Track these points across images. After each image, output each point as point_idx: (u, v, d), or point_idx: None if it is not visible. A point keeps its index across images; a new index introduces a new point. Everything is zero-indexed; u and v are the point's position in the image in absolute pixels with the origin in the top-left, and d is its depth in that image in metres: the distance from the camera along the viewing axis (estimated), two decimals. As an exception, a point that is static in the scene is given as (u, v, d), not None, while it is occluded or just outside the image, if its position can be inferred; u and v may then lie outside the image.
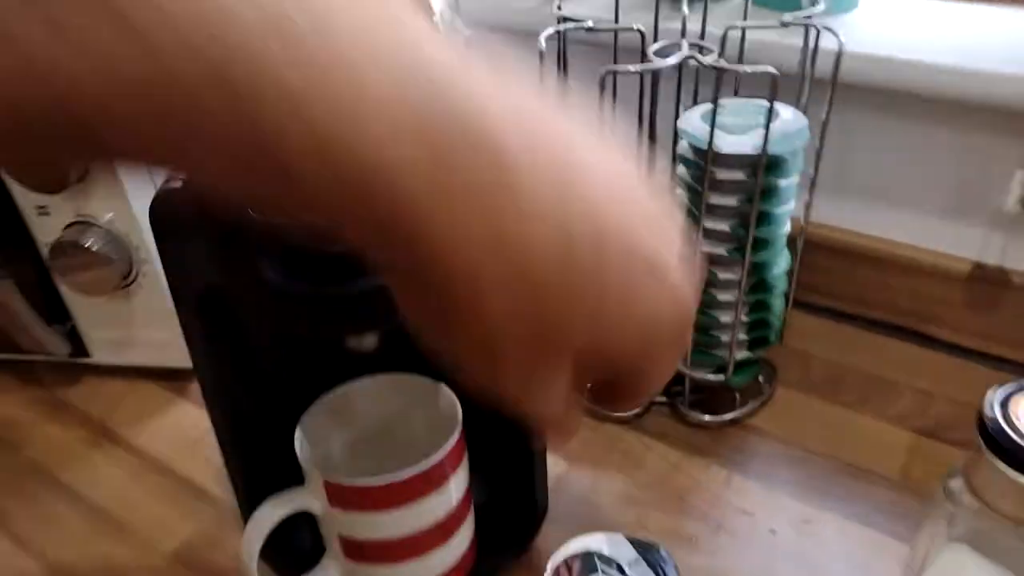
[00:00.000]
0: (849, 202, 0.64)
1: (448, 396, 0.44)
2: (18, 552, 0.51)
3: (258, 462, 0.46)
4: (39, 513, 0.54)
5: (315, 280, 0.35)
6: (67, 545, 0.51)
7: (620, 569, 0.45)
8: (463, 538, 0.45)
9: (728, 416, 0.57)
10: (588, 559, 0.43)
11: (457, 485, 0.42)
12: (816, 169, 0.50)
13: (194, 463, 0.57)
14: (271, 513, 0.39)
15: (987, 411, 0.35)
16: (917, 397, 0.58)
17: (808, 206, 0.52)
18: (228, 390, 0.43)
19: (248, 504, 0.43)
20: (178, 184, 0.37)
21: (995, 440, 0.34)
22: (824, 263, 0.65)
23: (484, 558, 0.47)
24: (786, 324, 0.56)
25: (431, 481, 0.40)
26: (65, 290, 0.58)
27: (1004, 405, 0.35)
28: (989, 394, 0.36)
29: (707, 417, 0.57)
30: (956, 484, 0.38)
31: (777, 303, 0.54)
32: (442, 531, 0.42)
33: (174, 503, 0.54)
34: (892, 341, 0.64)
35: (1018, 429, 0.34)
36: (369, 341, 0.40)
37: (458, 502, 0.43)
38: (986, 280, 0.60)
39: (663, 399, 0.59)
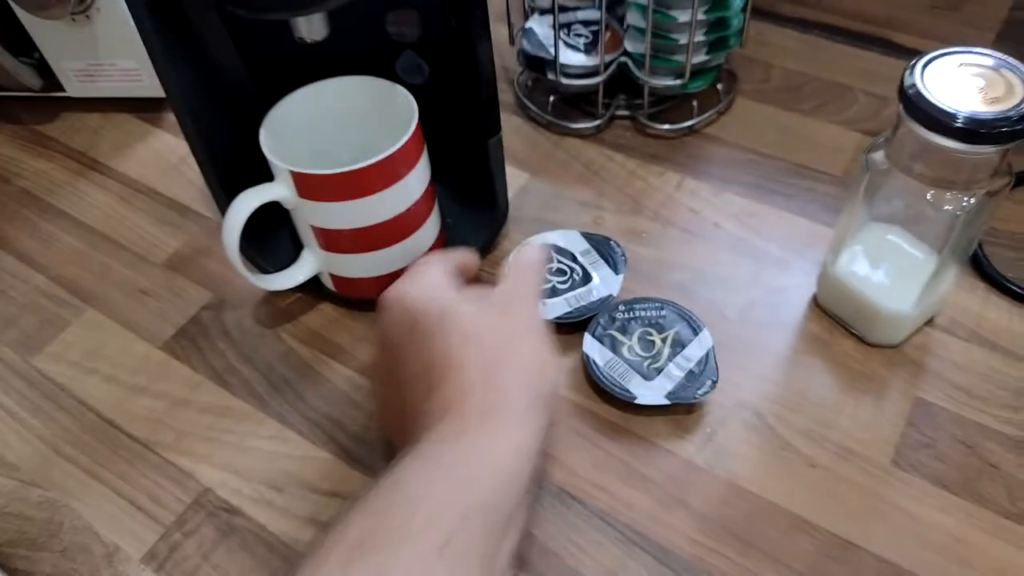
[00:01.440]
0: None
1: (404, 96, 0.45)
2: (25, 268, 0.56)
3: (235, 175, 0.48)
4: (38, 234, 0.58)
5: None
6: (68, 261, 0.56)
7: (573, 257, 0.50)
8: (429, 232, 0.48)
9: (685, 124, 0.59)
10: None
11: (417, 179, 0.45)
12: None
13: (177, 185, 0.60)
14: (247, 201, 0.43)
15: (907, 77, 0.37)
16: (871, 101, 0.60)
17: None
18: (192, 95, 0.44)
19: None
20: None
21: (911, 103, 0.36)
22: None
23: (451, 253, 0.51)
24: (746, 27, 0.56)
25: (391, 171, 0.43)
26: (24, 16, 0.58)
27: (923, 73, 0.37)
28: (912, 63, 0.37)
29: (665, 127, 0.59)
30: (878, 155, 0.40)
31: (736, 0, 0.54)
32: (407, 222, 0.46)
33: (162, 221, 0.57)
34: (855, 50, 0.64)
35: (932, 93, 0.36)
36: (318, 27, 0.41)
37: (420, 195, 0.46)
38: (952, -21, 0.59)
39: (625, 112, 0.60)
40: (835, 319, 0.47)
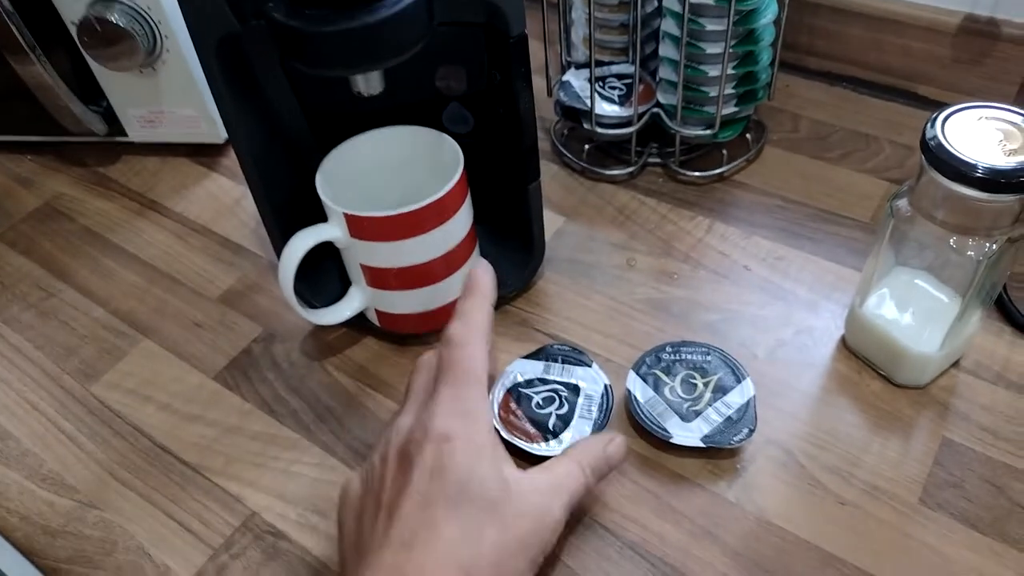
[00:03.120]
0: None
1: (451, 145, 0.48)
2: (85, 300, 0.59)
3: (289, 216, 0.51)
4: (99, 269, 0.61)
5: (315, 19, 0.38)
6: (127, 294, 0.59)
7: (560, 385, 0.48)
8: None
9: (715, 172, 0.61)
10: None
11: (461, 222, 0.48)
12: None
13: (230, 225, 0.63)
14: (302, 241, 0.45)
15: (928, 130, 0.39)
16: (896, 150, 0.62)
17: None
18: (255, 140, 0.47)
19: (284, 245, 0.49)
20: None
21: (932, 153, 0.38)
22: (817, 23, 0.66)
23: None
24: (774, 80, 0.59)
25: (438, 214, 0.46)
26: (96, 68, 0.62)
27: (944, 125, 0.39)
28: (934, 116, 0.39)
29: (696, 174, 0.61)
30: (902, 202, 0.42)
31: (764, 56, 0.56)
32: (450, 262, 0.49)
33: (217, 258, 0.61)
34: (880, 101, 0.66)
35: (953, 144, 0.38)
36: (375, 83, 0.44)
37: (463, 237, 0.49)
38: (977, 33, 0.61)
39: (657, 160, 0.63)
40: (863, 360, 0.49)
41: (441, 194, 0.45)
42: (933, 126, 0.39)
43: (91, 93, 0.65)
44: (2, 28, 0.59)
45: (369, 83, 0.44)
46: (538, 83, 0.53)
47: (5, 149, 0.71)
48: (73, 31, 0.60)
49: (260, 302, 0.57)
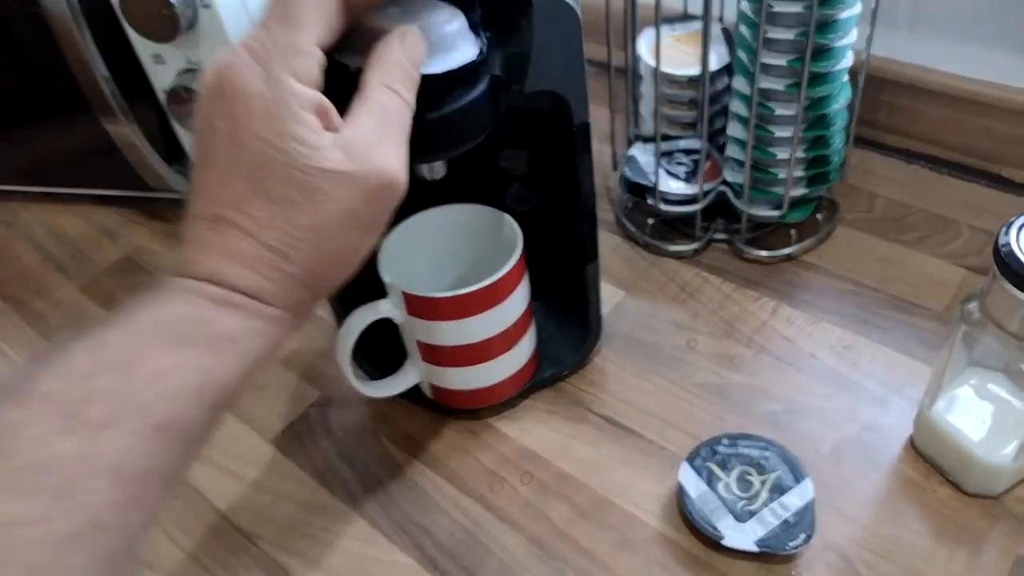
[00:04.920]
0: (923, 36, 0.62)
1: (511, 225, 0.48)
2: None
3: (351, 285, 0.52)
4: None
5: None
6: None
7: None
8: (525, 348, 0.51)
9: (783, 251, 0.60)
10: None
11: (518, 301, 0.48)
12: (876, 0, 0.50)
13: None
14: (361, 317, 0.46)
15: (1001, 236, 0.37)
16: (976, 235, 0.59)
17: (869, 39, 0.52)
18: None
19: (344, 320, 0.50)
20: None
21: (1006, 263, 0.36)
22: (897, 101, 0.64)
23: (545, 368, 0.53)
24: (847, 161, 0.57)
25: (495, 295, 0.46)
26: (181, 132, 0.65)
27: (1021, 231, 0.37)
28: (1010, 221, 0.38)
29: (763, 253, 0.60)
30: (972, 306, 0.40)
31: (837, 140, 0.55)
32: (505, 340, 0.49)
33: (282, 319, 0.62)
34: (961, 182, 0.64)
35: (1030, 253, 0.36)
36: (438, 169, 0.45)
37: (519, 316, 0.49)
38: (1065, 119, 0.58)
39: (723, 236, 0.62)
40: (931, 463, 0.46)
41: (499, 276, 0.45)
42: (1008, 232, 0.37)
43: (175, 153, 0.68)
44: (97, 92, 0.63)
45: (433, 170, 0.45)
46: (604, 152, 0.53)
47: (95, 201, 0.75)
48: (163, 98, 0.63)
49: (320, 366, 0.58)
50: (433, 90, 0.36)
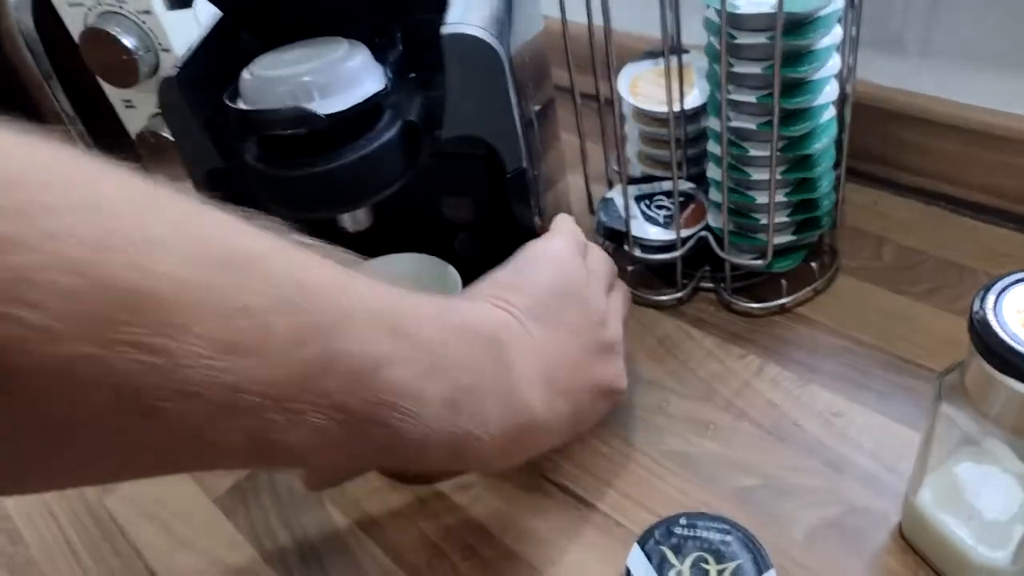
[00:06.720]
0: (934, 65, 0.56)
1: (452, 274, 0.45)
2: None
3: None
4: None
5: (292, 163, 0.37)
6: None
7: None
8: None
9: (775, 303, 0.54)
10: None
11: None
12: (857, 26, 0.44)
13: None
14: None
15: (976, 303, 0.32)
16: (996, 288, 0.53)
17: (850, 69, 0.47)
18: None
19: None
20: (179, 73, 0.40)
21: (980, 338, 0.31)
22: (906, 135, 0.58)
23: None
24: (841, 205, 0.52)
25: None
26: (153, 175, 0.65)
27: (999, 298, 0.32)
28: (988, 283, 0.32)
29: (752, 304, 0.55)
30: (952, 378, 0.35)
31: (824, 182, 0.50)
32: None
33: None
34: (982, 225, 0.57)
35: (1006, 324, 0.30)
36: (361, 219, 0.42)
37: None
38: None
39: (709, 285, 0.57)
40: (921, 556, 0.40)
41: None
42: (984, 298, 0.32)
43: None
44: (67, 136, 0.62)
45: (356, 220, 0.42)
46: (583, 193, 0.49)
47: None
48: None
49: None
50: (339, 133, 0.34)
